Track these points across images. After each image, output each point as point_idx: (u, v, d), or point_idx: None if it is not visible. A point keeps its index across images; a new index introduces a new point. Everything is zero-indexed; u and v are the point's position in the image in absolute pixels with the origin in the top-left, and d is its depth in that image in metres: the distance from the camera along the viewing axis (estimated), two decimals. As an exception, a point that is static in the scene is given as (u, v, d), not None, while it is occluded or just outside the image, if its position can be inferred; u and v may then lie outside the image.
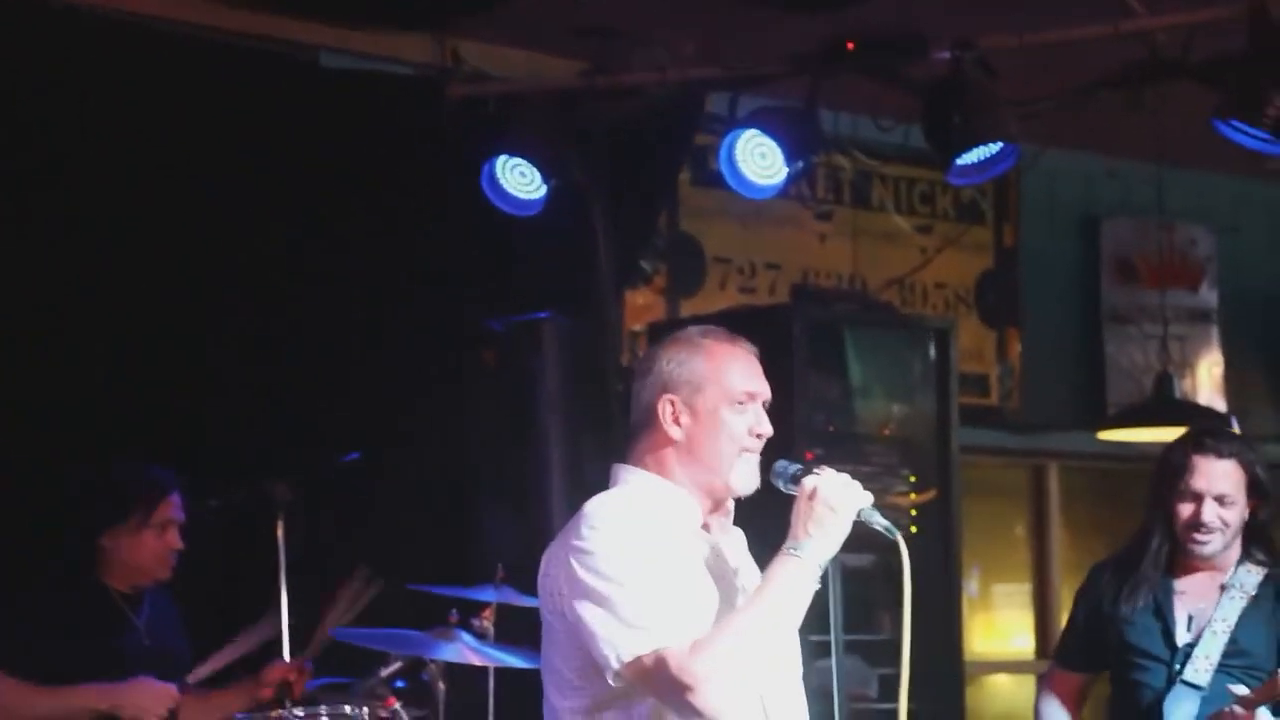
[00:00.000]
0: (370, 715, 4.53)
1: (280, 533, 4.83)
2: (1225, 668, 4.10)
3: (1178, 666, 4.12)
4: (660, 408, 3.02)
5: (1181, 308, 7.84)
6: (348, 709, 4.49)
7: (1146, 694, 4.16)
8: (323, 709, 4.49)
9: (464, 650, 4.62)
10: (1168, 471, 4.18)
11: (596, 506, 2.97)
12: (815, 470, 2.99)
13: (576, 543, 2.92)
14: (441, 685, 4.76)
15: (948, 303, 7.48)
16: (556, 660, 2.97)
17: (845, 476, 2.99)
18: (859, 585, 5.55)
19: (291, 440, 5.41)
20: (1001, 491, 7.98)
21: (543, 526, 5.44)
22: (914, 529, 5.96)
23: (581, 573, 2.89)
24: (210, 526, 4.82)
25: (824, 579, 2.95)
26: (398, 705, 4.65)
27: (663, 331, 6.43)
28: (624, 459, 3.07)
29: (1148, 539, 4.21)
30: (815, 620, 3.06)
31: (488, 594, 4.83)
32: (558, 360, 5.79)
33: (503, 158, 5.83)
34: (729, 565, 3.06)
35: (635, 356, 6.55)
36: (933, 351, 6.21)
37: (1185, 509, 4.15)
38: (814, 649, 3.33)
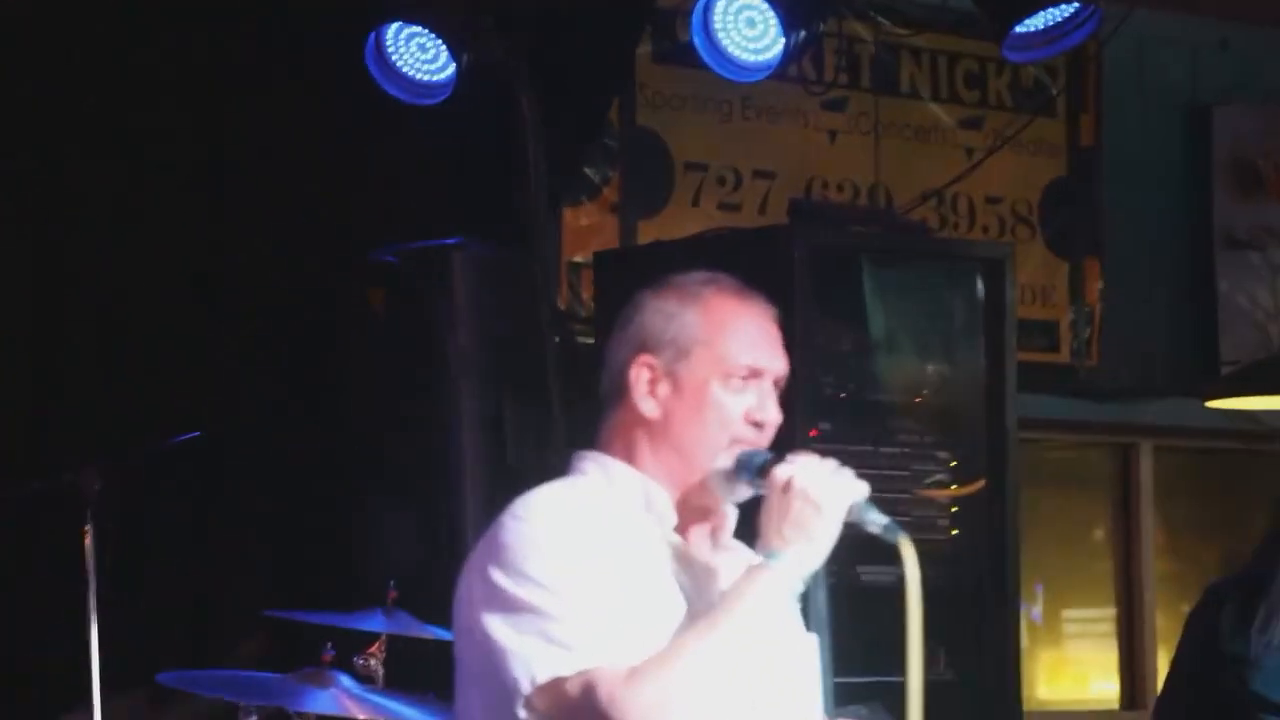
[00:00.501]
0: (215, 788, 4.54)
1: (88, 540, 4.83)
2: None
3: None
4: (633, 373, 3.07)
5: (1322, 229, 7.91)
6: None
7: None
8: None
9: (343, 699, 4.65)
10: None
11: (528, 495, 3.02)
12: (789, 458, 3.03)
13: (495, 538, 2.98)
14: (312, 748, 4.78)
15: (1003, 224, 7.51)
16: (465, 688, 3.03)
17: (831, 463, 3.03)
18: (879, 607, 5.58)
19: (103, 415, 5.40)
20: (1075, 480, 8.03)
21: (451, 532, 5.45)
22: (954, 531, 5.99)
23: (496, 574, 2.94)
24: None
25: (804, 596, 3.00)
26: (253, 775, 4.67)
27: (614, 262, 6.50)
28: (589, 441, 3.11)
29: (1276, 546, 4.25)
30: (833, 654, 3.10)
31: (375, 623, 4.85)
32: (472, 304, 5.79)
33: (395, 25, 5.82)
34: (714, 588, 3.09)
35: (576, 296, 6.55)
36: (982, 290, 6.22)
37: None
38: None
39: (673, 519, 3.08)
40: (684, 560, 3.08)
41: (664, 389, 3.06)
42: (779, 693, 3.07)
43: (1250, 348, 7.72)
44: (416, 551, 5.44)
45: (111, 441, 5.13)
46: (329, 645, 4.74)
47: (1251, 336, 7.75)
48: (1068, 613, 8.00)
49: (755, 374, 3.08)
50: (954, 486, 6.06)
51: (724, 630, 2.94)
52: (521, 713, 2.91)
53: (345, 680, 4.70)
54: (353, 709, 4.66)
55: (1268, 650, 4.20)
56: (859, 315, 6.02)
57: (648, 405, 3.06)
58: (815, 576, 3.01)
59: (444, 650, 4.93)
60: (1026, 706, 6.42)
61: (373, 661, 4.85)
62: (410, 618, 4.85)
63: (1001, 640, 6.13)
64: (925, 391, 6.13)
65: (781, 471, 3.01)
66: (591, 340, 6.38)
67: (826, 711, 3.16)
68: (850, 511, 3.01)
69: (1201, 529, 8.05)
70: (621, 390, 3.08)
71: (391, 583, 4.88)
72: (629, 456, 3.07)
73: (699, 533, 3.12)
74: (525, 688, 2.90)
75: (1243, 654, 4.23)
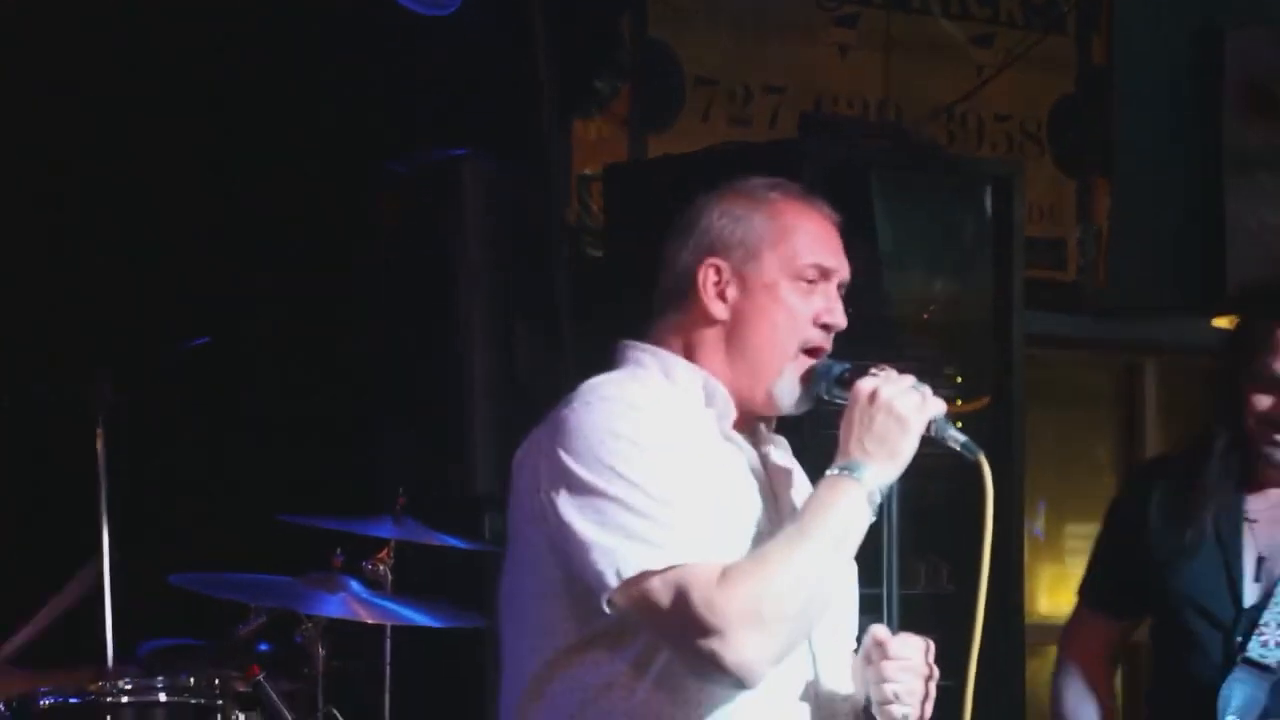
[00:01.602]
0: (223, 689, 4.58)
1: (100, 445, 4.85)
2: None
3: (1239, 637, 4.13)
4: (701, 275, 3.08)
5: (1334, 150, 7.89)
6: (192, 682, 4.53)
7: (1198, 673, 4.17)
8: (159, 682, 4.54)
9: (351, 603, 4.68)
10: (1243, 348, 4.16)
11: (595, 383, 3.02)
12: (873, 370, 3.04)
13: (565, 424, 2.95)
14: (321, 649, 4.81)
15: (1012, 141, 7.50)
16: (527, 584, 3.00)
17: (910, 378, 3.04)
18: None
19: (114, 320, 5.41)
20: (1081, 398, 8.05)
21: (458, 440, 5.47)
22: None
23: (572, 462, 2.92)
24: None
25: (881, 511, 3.00)
26: (261, 675, 4.70)
27: (624, 176, 6.50)
28: (637, 337, 3.11)
29: (1211, 440, 4.21)
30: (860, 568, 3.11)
31: (384, 529, 4.88)
32: (481, 215, 5.79)
33: (406, -67, 5.80)
34: (778, 481, 3.12)
35: (585, 209, 6.55)
36: (990, 207, 6.23)
37: (1262, 400, 4.13)
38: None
39: (733, 414, 3.08)
40: (749, 456, 3.10)
41: (733, 291, 3.08)
42: (832, 608, 3.08)
43: (1258, 267, 7.72)
44: (424, 459, 5.46)
45: (123, 347, 5.14)
46: (338, 550, 4.77)
47: (1259, 256, 7.75)
48: (1070, 529, 8.03)
49: (824, 274, 3.10)
50: (960, 402, 6.08)
51: (815, 540, 2.91)
52: (606, 609, 2.88)
53: (354, 585, 4.73)
54: (361, 613, 4.69)
55: (1191, 544, 4.18)
56: (868, 231, 6.02)
57: (717, 307, 3.07)
58: (890, 490, 3.01)
59: (451, 557, 4.99)
60: (1028, 620, 6.46)
61: (381, 567, 4.88)
62: (418, 524, 4.87)
63: (1005, 555, 6.16)
64: (933, 308, 6.15)
65: (866, 384, 3.01)
66: (600, 253, 6.40)
67: (892, 625, 3.14)
68: (930, 428, 3.02)
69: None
70: (686, 292, 3.09)
71: (400, 490, 4.90)
72: (689, 356, 3.08)
73: (753, 431, 3.13)
74: (611, 581, 2.87)
75: (1169, 546, 4.20)
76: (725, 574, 2.85)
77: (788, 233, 3.09)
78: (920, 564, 5.82)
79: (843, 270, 3.13)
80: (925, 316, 6.14)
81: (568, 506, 2.90)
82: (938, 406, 3.03)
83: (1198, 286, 7.71)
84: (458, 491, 5.46)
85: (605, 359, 3.16)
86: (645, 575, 2.85)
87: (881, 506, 2.99)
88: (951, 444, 3.05)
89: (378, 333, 5.86)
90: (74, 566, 4.92)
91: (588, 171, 6.66)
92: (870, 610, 5.54)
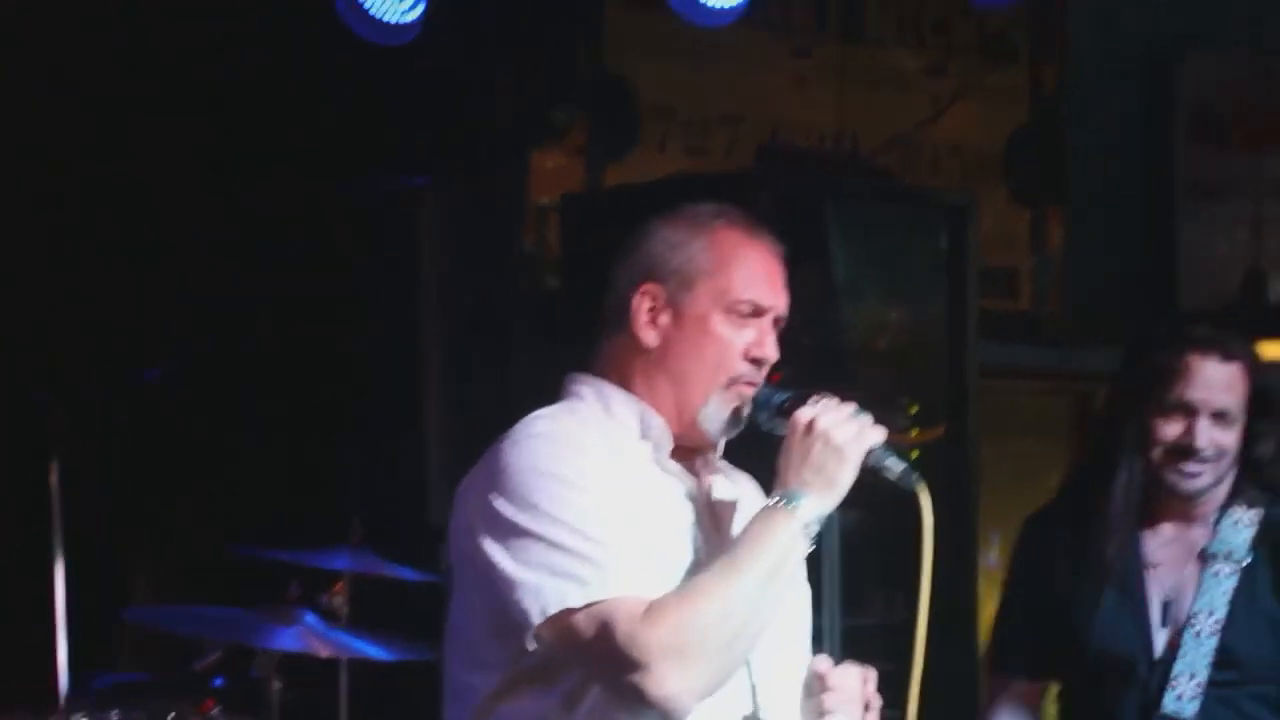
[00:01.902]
0: (178, 724, 4.55)
1: (54, 478, 4.83)
2: (1220, 689, 3.96)
3: (1154, 687, 3.98)
4: (635, 301, 3.06)
5: (1283, 179, 7.94)
6: (147, 717, 4.51)
7: None
8: (114, 718, 4.51)
9: (307, 636, 4.66)
10: (1148, 376, 4.04)
11: (529, 420, 3.00)
12: (812, 399, 3.02)
13: (495, 464, 2.95)
14: (276, 683, 4.79)
15: (967, 171, 7.52)
16: (463, 621, 3.01)
17: (851, 406, 3.02)
18: (842, 553, 5.62)
19: (71, 352, 5.39)
20: (1035, 428, 8.06)
21: (417, 469, 5.46)
22: (918, 477, 6.02)
23: (500, 502, 2.91)
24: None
25: (817, 541, 2.99)
26: (217, 710, 4.69)
27: (581, 205, 6.49)
28: (583, 367, 3.10)
29: (1112, 472, 4.06)
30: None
31: (340, 560, 4.86)
32: (438, 244, 5.79)
33: (363, -34, 5.81)
34: (719, 513, 3.09)
35: (542, 239, 6.55)
36: (945, 236, 6.25)
37: (1170, 428, 4.00)
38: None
39: (669, 446, 3.06)
40: (691, 492, 3.07)
41: (665, 318, 3.05)
42: (777, 639, 3.06)
43: (1209, 298, 7.75)
44: (381, 489, 5.45)
45: (77, 380, 5.12)
46: (294, 583, 4.75)
47: (1211, 286, 7.78)
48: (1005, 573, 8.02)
49: (758, 311, 3.07)
50: (914, 432, 6.09)
51: (745, 571, 2.90)
52: (530, 646, 2.88)
53: (309, 618, 4.71)
54: (316, 646, 4.67)
55: (1099, 590, 4.04)
56: (823, 261, 6.03)
57: (648, 334, 3.05)
58: (829, 521, 2.99)
59: (407, 589, 4.98)
60: (981, 651, 6.47)
61: (337, 599, 4.86)
62: (375, 556, 4.86)
63: (959, 585, 6.17)
64: (887, 337, 6.16)
65: (804, 414, 2.99)
66: (558, 283, 6.39)
67: (834, 655, 3.14)
68: (869, 457, 2.99)
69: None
70: (622, 317, 3.07)
71: (356, 521, 4.89)
72: (625, 384, 3.06)
73: (696, 461, 3.11)
74: (535, 618, 2.86)
75: (1076, 597, 4.07)
76: (651, 608, 2.85)
77: (725, 265, 3.06)
78: (876, 594, 5.82)
79: (779, 306, 3.10)
80: (880, 345, 6.15)
81: (494, 545, 2.90)
82: (877, 435, 3.00)
83: (1152, 316, 7.74)
84: (412, 521, 5.45)
85: (560, 389, 3.16)
86: (569, 612, 2.85)
87: (820, 535, 2.98)
88: (889, 473, 3.03)
89: (334, 362, 5.85)
90: (27, 598, 4.89)
91: (545, 201, 6.65)
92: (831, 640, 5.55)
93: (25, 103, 5.65)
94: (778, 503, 2.95)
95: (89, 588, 4.88)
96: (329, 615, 4.81)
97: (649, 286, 3.06)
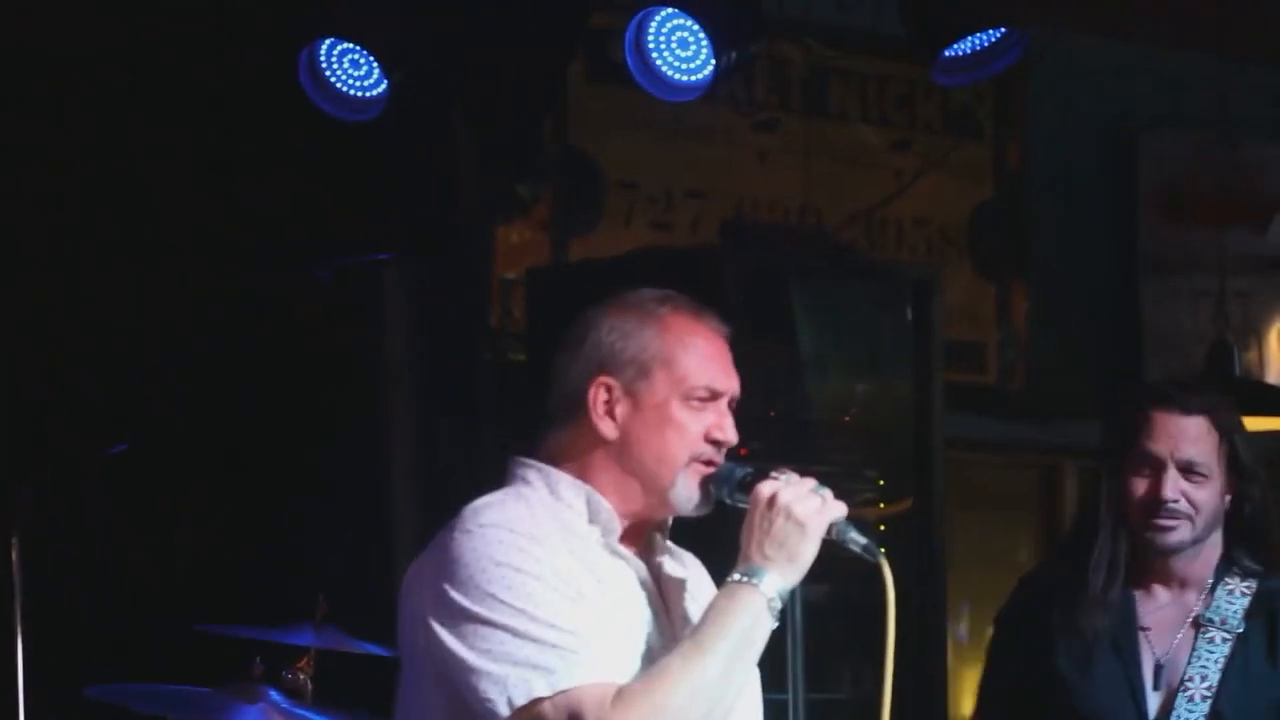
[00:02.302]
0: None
1: (14, 553, 4.80)
2: None
3: None
4: (592, 394, 3.05)
5: (1246, 255, 7.95)
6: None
7: None
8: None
9: (271, 714, 4.63)
10: (1118, 437, 4.11)
11: (476, 508, 2.99)
12: (774, 474, 3.02)
13: (446, 553, 2.93)
14: (240, 762, 4.76)
15: (931, 245, 7.55)
16: (417, 713, 2.98)
17: (811, 481, 3.02)
18: (809, 626, 5.61)
19: (32, 426, 5.37)
20: (1001, 500, 8.07)
21: (382, 545, 5.44)
22: (881, 549, 6.01)
23: (454, 594, 2.89)
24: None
25: (782, 616, 2.98)
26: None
27: (547, 279, 6.50)
28: (528, 453, 3.09)
29: (1094, 536, 4.10)
30: (763, 672, 3.08)
31: (305, 637, 4.83)
32: (403, 318, 5.79)
33: (328, 42, 5.81)
34: (669, 593, 3.10)
35: (508, 313, 6.55)
36: (910, 311, 6.26)
37: (1140, 483, 4.05)
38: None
39: (617, 530, 3.05)
40: (641, 574, 3.07)
41: (623, 409, 3.05)
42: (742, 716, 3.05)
43: (1174, 371, 7.77)
44: (346, 565, 5.42)
45: (38, 454, 5.09)
46: (258, 659, 4.72)
47: (1175, 360, 7.81)
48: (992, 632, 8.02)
49: (714, 395, 3.08)
50: (881, 505, 6.09)
51: (712, 652, 2.90)
52: None
53: (274, 695, 4.68)
54: (280, 724, 4.65)
55: (1090, 658, 4.07)
56: (789, 335, 6.04)
57: (607, 426, 3.04)
58: (791, 595, 2.98)
59: (373, 665, 4.94)
60: (951, 723, 6.45)
61: (301, 676, 4.83)
62: (340, 633, 4.83)
63: (928, 657, 6.16)
64: (854, 410, 6.16)
65: (765, 489, 2.99)
66: (523, 357, 6.39)
67: None
68: (831, 530, 2.99)
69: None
70: (577, 409, 3.06)
71: (321, 597, 4.86)
72: (583, 474, 3.05)
73: (644, 543, 3.11)
74: (503, 710, 2.85)
75: (1065, 664, 4.10)
76: (619, 694, 2.84)
77: (679, 351, 3.06)
78: (843, 667, 5.81)
79: (733, 387, 3.10)
80: (846, 419, 6.15)
81: (451, 637, 2.89)
82: (839, 509, 3.01)
83: (1116, 390, 7.76)
84: (380, 598, 5.42)
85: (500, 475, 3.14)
86: (537, 702, 2.83)
87: (784, 611, 2.97)
88: (853, 547, 3.03)
89: (299, 438, 5.83)
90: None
91: (510, 275, 6.66)
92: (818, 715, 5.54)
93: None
94: (741, 579, 2.95)
95: (50, 665, 4.84)
96: (293, 692, 4.78)
97: (604, 379, 3.06)
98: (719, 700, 2.90)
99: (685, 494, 3.06)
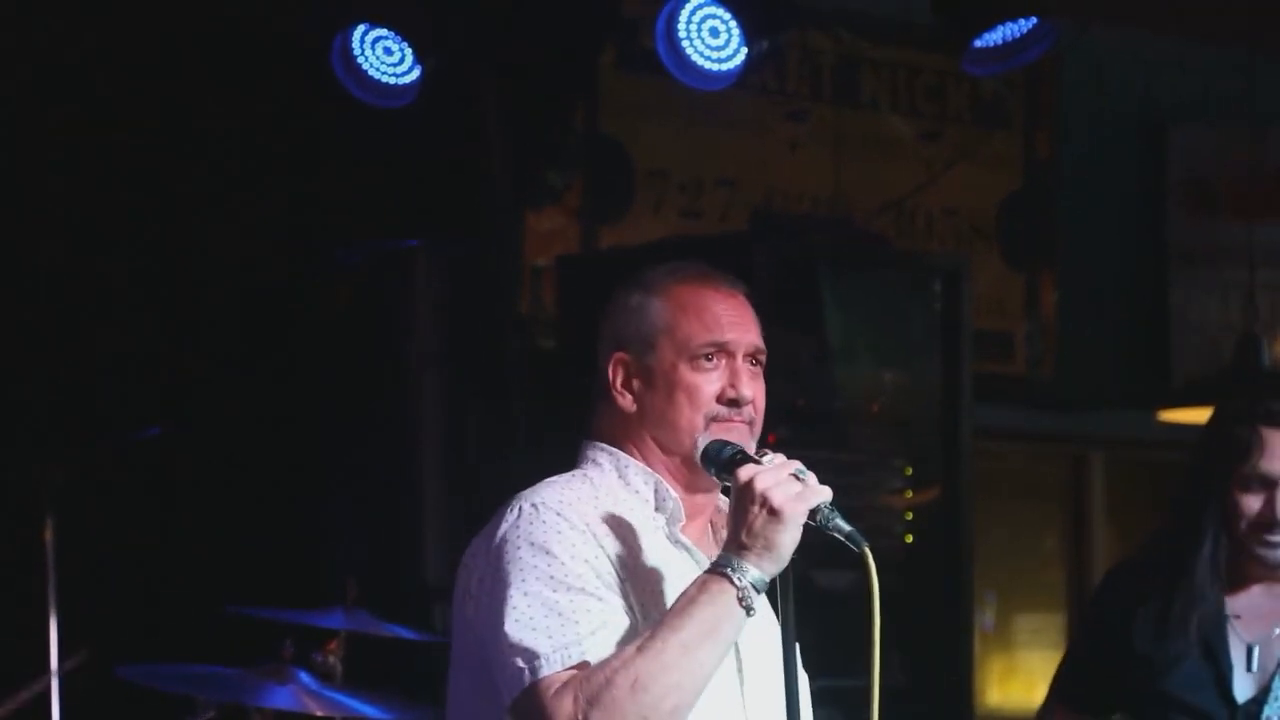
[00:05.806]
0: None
1: (49, 534, 4.82)
2: None
3: None
4: (610, 371, 3.09)
5: (1275, 246, 7.93)
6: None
7: None
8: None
9: (301, 695, 4.64)
10: (1225, 450, 4.18)
11: (544, 482, 3.03)
12: (757, 456, 2.98)
13: (496, 531, 2.97)
14: (269, 743, 4.78)
15: (960, 235, 7.54)
16: (463, 682, 3.02)
17: (795, 464, 2.97)
18: (835, 612, 5.59)
19: (67, 410, 5.38)
20: (1029, 490, 8.06)
21: (411, 530, 5.44)
22: (909, 538, 6.01)
23: (495, 569, 2.93)
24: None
25: (785, 599, 2.96)
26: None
27: (576, 266, 6.50)
28: (584, 430, 3.12)
29: (1199, 541, 4.19)
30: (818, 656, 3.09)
31: (335, 620, 4.84)
32: (434, 304, 5.79)
33: (361, 28, 5.81)
34: None
35: (538, 300, 6.55)
36: (939, 300, 6.25)
37: (1252, 501, 4.15)
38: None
39: (682, 519, 3.06)
40: (693, 562, 3.04)
41: (637, 384, 3.06)
42: (760, 691, 3.04)
43: (1202, 363, 7.76)
44: (376, 549, 5.43)
45: (73, 437, 5.11)
46: (288, 641, 4.73)
47: (1204, 352, 7.79)
48: (1019, 620, 8.03)
49: (720, 350, 3.06)
50: (909, 494, 6.09)
51: (668, 638, 2.86)
52: (507, 718, 2.90)
53: (304, 677, 4.69)
54: (311, 705, 4.65)
55: (1179, 648, 4.15)
56: (818, 324, 6.04)
57: (625, 400, 3.07)
58: (785, 580, 2.94)
59: (402, 649, 4.96)
60: (977, 712, 6.44)
61: (331, 658, 4.84)
62: (369, 615, 4.84)
63: (954, 646, 6.15)
64: (882, 399, 6.16)
65: (743, 473, 2.94)
66: (553, 344, 6.39)
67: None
68: (814, 516, 2.93)
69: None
70: (605, 389, 3.09)
71: (351, 580, 4.87)
72: (622, 449, 3.07)
73: (701, 531, 3.11)
74: (501, 686, 2.89)
75: (1155, 651, 4.17)
76: (578, 678, 2.84)
77: (681, 317, 3.06)
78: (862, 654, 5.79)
79: (745, 340, 3.08)
80: (874, 409, 6.15)
81: (482, 611, 2.93)
82: (822, 494, 2.93)
83: (1143, 380, 7.75)
84: (407, 581, 5.43)
85: (557, 450, 3.17)
86: (528, 687, 2.86)
87: (779, 596, 2.94)
88: (836, 534, 2.93)
89: (330, 423, 5.84)
90: (19, 659, 4.87)
91: (540, 263, 6.66)
92: (834, 702, 5.53)
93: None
94: (715, 568, 2.90)
95: (83, 645, 4.86)
96: (323, 674, 4.79)
97: (619, 355, 3.08)
98: (679, 686, 2.85)
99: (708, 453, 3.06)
